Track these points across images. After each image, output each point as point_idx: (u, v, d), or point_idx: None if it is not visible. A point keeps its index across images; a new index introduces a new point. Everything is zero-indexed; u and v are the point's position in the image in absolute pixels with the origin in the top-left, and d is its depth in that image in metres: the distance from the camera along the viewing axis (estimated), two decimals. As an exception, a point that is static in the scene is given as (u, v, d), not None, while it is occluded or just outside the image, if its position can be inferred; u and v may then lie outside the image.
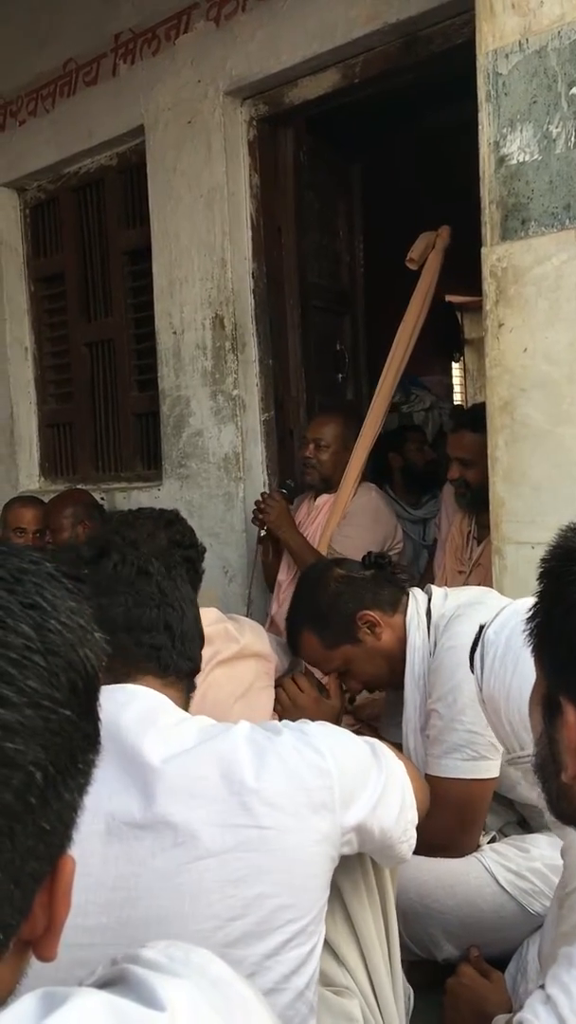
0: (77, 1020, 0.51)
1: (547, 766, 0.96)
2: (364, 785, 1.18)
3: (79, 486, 4.18)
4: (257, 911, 1.05)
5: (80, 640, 0.58)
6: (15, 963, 0.56)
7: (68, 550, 1.31)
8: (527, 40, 2.27)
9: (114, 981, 0.58)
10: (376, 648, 2.04)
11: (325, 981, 1.19)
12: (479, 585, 2.85)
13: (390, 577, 2.14)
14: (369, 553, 2.21)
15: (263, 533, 3.39)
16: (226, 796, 1.07)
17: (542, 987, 0.89)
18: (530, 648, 0.98)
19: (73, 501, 3.67)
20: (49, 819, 0.54)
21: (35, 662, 0.54)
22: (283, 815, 1.07)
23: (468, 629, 1.87)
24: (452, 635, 1.90)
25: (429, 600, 2.06)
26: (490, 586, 2.67)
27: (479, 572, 2.97)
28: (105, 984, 0.58)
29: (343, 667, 2.10)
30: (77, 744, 0.57)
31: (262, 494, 3.40)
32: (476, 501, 2.98)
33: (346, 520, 3.30)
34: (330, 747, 1.16)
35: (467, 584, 2.91)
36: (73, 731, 0.56)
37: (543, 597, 0.95)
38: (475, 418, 3.05)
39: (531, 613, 0.96)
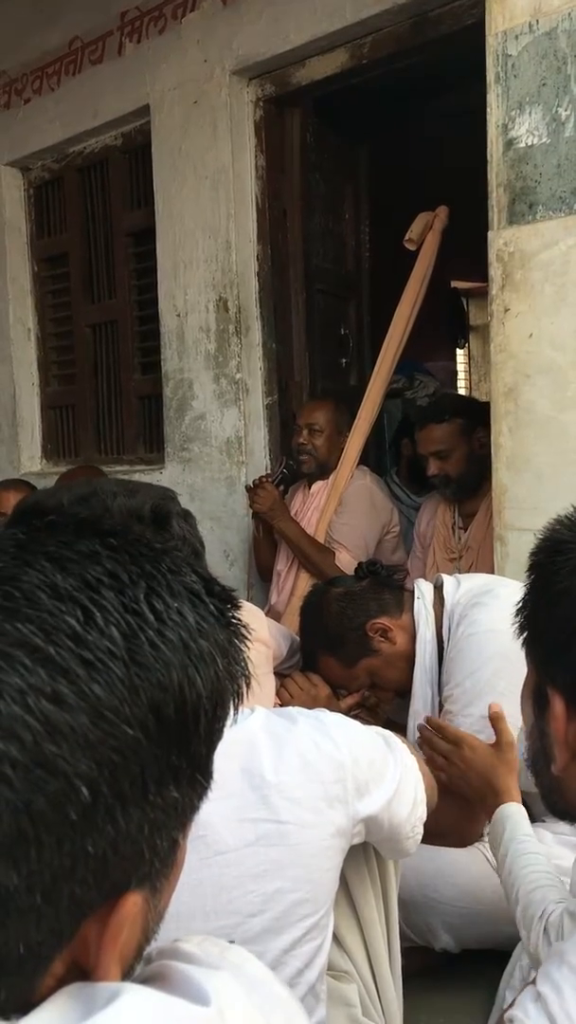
0: (129, 1017, 0.49)
1: (539, 759, 0.96)
2: (380, 778, 1.17)
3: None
4: (276, 906, 1.04)
5: (188, 663, 0.53)
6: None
7: (128, 512, 1.20)
8: (537, 21, 2.24)
9: (154, 978, 0.55)
10: (395, 653, 2.04)
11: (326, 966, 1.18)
12: (471, 567, 2.87)
13: (386, 580, 2.13)
14: (360, 564, 2.20)
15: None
16: (246, 790, 1.05)
17: (533, 984, 0.88)
18: (520, 640, 0.97)
19: (85, 477, 3.64)
20: (97, 843, 0.49)
21: (111, 668, 0.50)
22: (301, 809, 1.07)
23: (487, 617, 1.87)
24: (471, 623, 1.89)
25: (439, 590, 2.05)
26: (482, 568, 2.68)
27: (469, 556, 2.98)
28: (145, 981, 0.54)
29: (369, 681, 2.09)
30: (150, 773, 0.51)
31: (253, 480, 3.38)
32: (460, 489, 2.98)
33: (342, 508, 3.28)
34: (346, 738, 1.14)
35: (459, 569, 2.92)
36: (145, 756, 0.51)
37: (531, 589, 0.95)
38: (437, 410, 3.05)
39: (519, 605, 0.96)
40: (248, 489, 3.36)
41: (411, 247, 3.25)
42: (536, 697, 0.94)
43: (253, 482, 3.35)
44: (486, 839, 1.92)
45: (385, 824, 1.18)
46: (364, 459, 3.46)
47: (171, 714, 0.53)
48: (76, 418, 4.61)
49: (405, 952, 1.45)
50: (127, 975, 0.56)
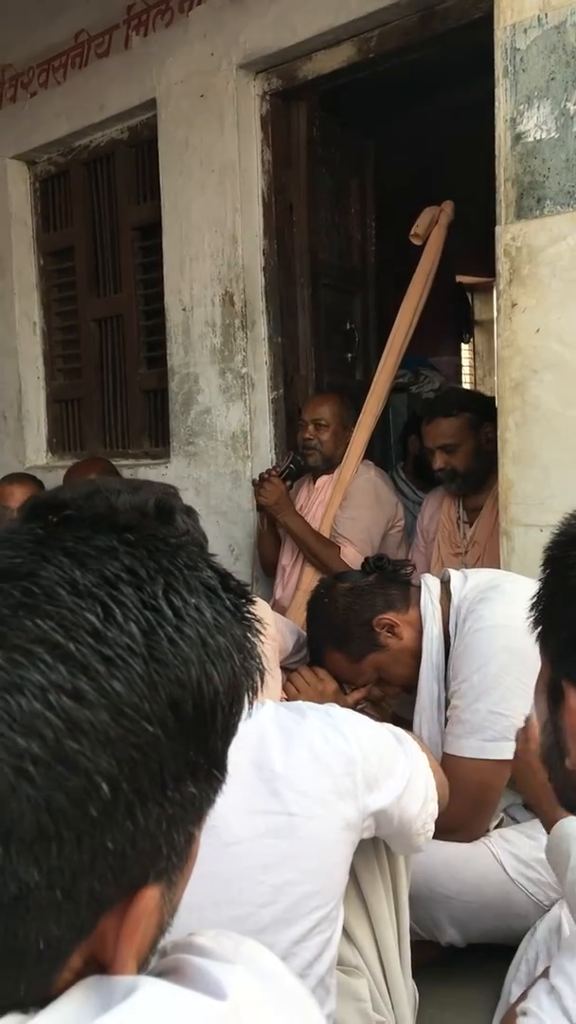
0: (147, 1010, 0.49)
1: (552, 754, 0.96)
2: (390, 773, 1.18)
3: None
4: (286, 898, 1.05)
5: (206, 659, 0.54)
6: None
7: (132, 506, 1.21)
8: (546, 15, 2.23)
9: (170, 972, 0.56)
10: (401, 648, 2.03)
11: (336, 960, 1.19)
12: (477, 562, 2.87)
13: (393, 575, 2.13)
14: (367, 559, 2.20)
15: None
16: (255, 781, 1.06)
17: (546, 977, 0.88)
18: (534, 635, 0.97)
19: (96, 468, 3.62)
20: (116, 839, 0.50)
21: (130, 665, 0.50)
22: (310, 802, 1.07)
23: (493, 612, 1.86)
24: (478, 618, 1.88)
25: (446, 584, 2.05)
26: (488, 563, 2.68)
27: (475, 551, 2.98)
28: (161, 975, 0.55)
29: (375, 676, 2.09)
30: (169, 769, 0.52)
31: (260, 474, 3.39)
32: (466, 484, 2.98)
33: (347, 502, 3.27)
34: (356, 733, 1.15)
35: (465, 564, 2.91)
36: (164, 753, 0.51)
37: (546, 583, 0.94)
38: (446, 403, 3.04)
39: (534, 599, 0.96)
40: (254, 483, 3.36)
41: (417, 242, 3.25)
42: (551, 691, 0.93)
43: (260, 476, 3.35)
44: (492, 834, 1.94)
45: (395, 819, 1.19)
46: (369, 454, 3.45)
47: (189, 710, 0.53)
48: (82, 412, 4.61)
49: (411, 946, 1.45)
50: (141, 968, 0.56)
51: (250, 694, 0.59)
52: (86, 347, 4.50)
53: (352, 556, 3.11)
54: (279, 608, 3.22)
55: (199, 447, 3.82)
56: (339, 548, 3.19)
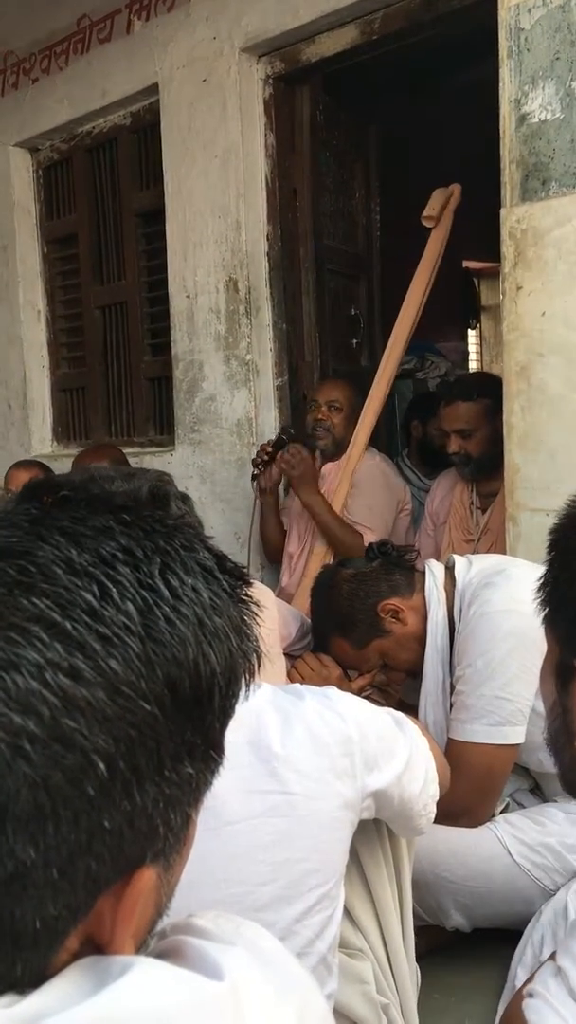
0: (142, 989, 0.49)
1: (559, 737, 0.95)
2: (390, 753, 1.18)
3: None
4: (286, 876, 1.06)
5: (203, 639, 0.54)
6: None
7: (126, 492, 1.22)
8: (551, -6, 2.21)
9: (168, 953, 0.55)
10: (406, 634, 2.03)
11: (339, 943, 1.19)
12: (489, 549, 2.85)
13: (397, 561, 2.12)
14: (371, 545, 2.19)
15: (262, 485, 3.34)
16: (254, 762, 1.07)
17: (553, 959, 0.88)
18: (541, 617, 0.96)
19: (105, 456, 3.61)
20: (113, 818, 0.49)
21: (127, 644, 0.50)
22: (309, 781, 1.08)
23: (499, 597, 1.86)
24: (483, 602, 1.88)
25: (451, 570, 2.04)
26: (501, 551, 2.67)
27: (488, 538, 2.96)
28: (159, 956, 0.54)
29: (380, 662, 2.09)
30: (166, 749, 0.52)
31: (268, 441, 3.30)
32: (479, 470, 2.95)
33: (357, 490, 3.24)
34: (353, 714, 1.16)
35: (476, 551, 2.90)
36: (161, 732, 0.51)
37: (552, 565, 0.94)
38: (466, 387, 3.02)
39: (541, 581, 0.95)
40: (254, 463, 3.29)
41: (429, 224, 3.21)
42: (559, 672, 0.93)
43: (257, 455, 3.27)
44: (497, 819, 1.93)
45: (395, 799, 1.19)
46: (376, 442, 3.43)
47: (186, 690, 0.53)
48: (86, 400, 4.60)
49: (417, 931, 1.45)
50: (140, 950, 0.56)
51: (247, 675, 0.59)
52: (90, 335, 4.49)
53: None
54: (285, 595, 3.21)
55: (204, 435, 3.81)
56: (362, 535, 3.14)
